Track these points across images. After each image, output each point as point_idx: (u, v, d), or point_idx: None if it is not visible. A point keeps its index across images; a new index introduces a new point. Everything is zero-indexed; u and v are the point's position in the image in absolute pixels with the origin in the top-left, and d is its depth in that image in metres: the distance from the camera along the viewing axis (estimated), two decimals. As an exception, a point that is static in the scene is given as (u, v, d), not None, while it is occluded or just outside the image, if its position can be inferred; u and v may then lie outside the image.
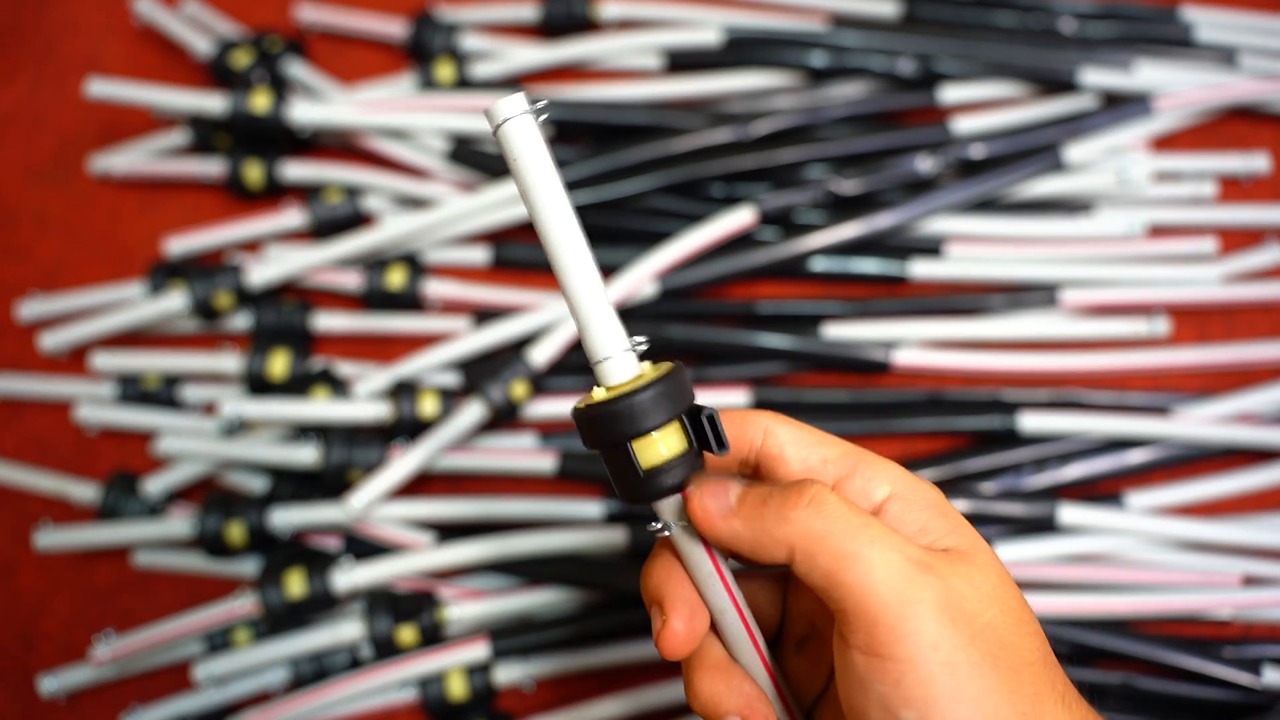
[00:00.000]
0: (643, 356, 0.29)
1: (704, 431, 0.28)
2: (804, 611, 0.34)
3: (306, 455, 0.50)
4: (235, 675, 0.49)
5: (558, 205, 0.27)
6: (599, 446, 0.28)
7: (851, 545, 0.27)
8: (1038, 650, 0.28)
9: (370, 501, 0.48)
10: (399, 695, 0.49)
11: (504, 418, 0.50)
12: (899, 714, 0.26)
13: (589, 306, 0.28)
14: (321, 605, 0.48)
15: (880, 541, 0.27)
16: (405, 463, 0.49)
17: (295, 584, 0.48)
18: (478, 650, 0.49)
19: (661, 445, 0.28)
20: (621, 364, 0.28)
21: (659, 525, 0.30)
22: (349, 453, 0.50)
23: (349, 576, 0.48)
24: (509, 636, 0.49)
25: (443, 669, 0.49)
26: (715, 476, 0.30)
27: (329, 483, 0.50)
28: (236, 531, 0.49)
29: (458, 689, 0.48)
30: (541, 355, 0.50)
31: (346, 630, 0.49)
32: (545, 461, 0.51)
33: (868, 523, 0.27)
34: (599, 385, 0.29)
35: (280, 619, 0.48)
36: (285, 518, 0.50)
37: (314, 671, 0.50)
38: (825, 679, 0.34)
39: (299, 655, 0.49)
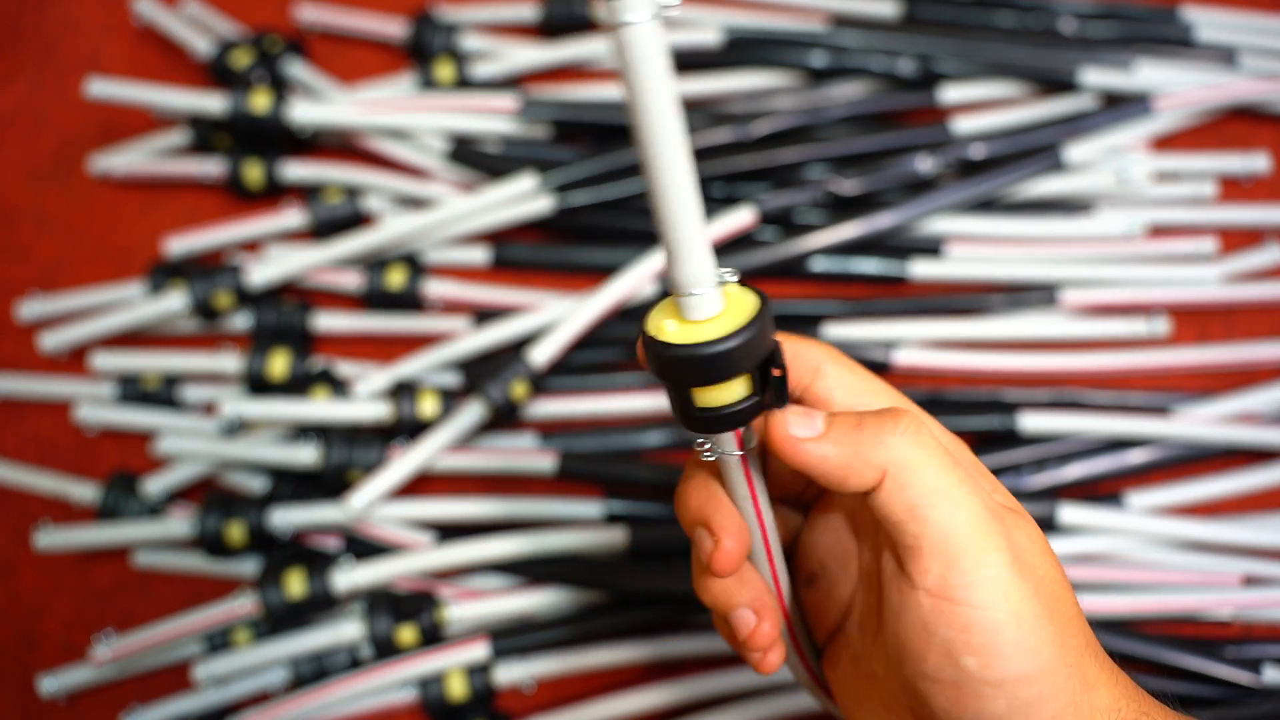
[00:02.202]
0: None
1: (768, 382, 0.27)
2: (817, 550, 0.34)
3: (306, 455, 0.50)
4: (235, 675, 0.49)
5: (669, 118, 0.24)
6: (662, 379, 0.27)
7: (943, 481, 0.27)
8: (1075, 605, 0.28)
9: (370, 501, 0.48)
10: (399, 695, 0.49)
11: (504, 418, 0.50)
12: (961, 660, 0.26)
13: (686, 229, 0.25)
14: (321, 605, 0.48)
15: (967, 483, 0.27)
16: (405, 463, 0.49)
17: (295, 584, 0.48)
18: (478, 650, 0.49)
19: (726, 392, 0.27)
20: (708, 300, 0.26)
21: (705, 446, 0.29)
22: (349, 453, 0.50)
23: (349, 576, 0.48)
24: (509, 636, 0.49)
25: (443, 669, 0.49)
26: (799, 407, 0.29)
27: (329, 483, 0.50)
28: (236, 531, 0.49)
29: (458, 689, 0.48)
30: (541, 355, 0.50)
31: (346, 630, 0.49)
32: (545, 461, 0.51)
33: (957, 463, 0.27)
34: (676, 314, 0.27)
35: (280, 619, 0.48)
36: (285, 518, 0.50)
37: (314, 671, 0.50)
38: (836, 618, 0.34)
39: (299, 655, 0.49)
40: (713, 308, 0.26)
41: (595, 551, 0.49)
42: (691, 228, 0.25)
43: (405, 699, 0.49)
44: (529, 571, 0.50)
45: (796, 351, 0.30)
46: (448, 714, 0.49)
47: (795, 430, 0.28)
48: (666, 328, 0.27)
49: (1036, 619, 0.26)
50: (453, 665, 0.49)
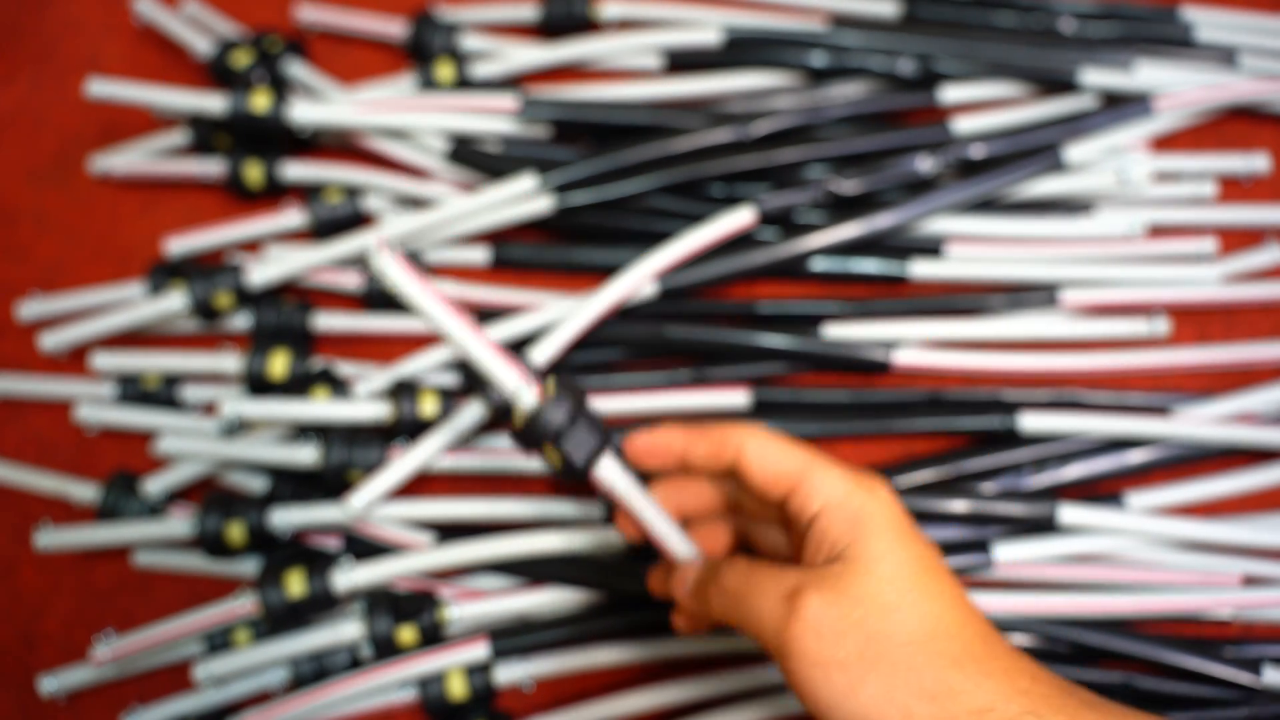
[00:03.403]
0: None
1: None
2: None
3: (306, 455, 0.50)
4: (235, 675, 0.49)
5: (441, 313, 0.37)
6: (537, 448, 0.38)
7: (745, 605, 0.35)
8: (909, 645, 0.33)
9: (370, 501, 0.48)
10: (399, 695, 0.49)
11: (504, 418, 0.50)
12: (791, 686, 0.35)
13: (490, 357, 0.37)
14: (321, 605, 0.48)
15: (756, 596, 0.35)
16: (405, 463, 0.49)
17: (295, 584, 0.48)
18: (478, 650, 0.49)
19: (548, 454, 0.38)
20: (523, 396, 0.37)
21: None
22: (349, 453, 0.50)
23: (349, 576, 0.48)
24: (509, 636, 0.49)
25: (443, 669, 0.49)
26: (685, 563, 0.40)
27: (329, 483, 0.50)
28: (236, 531, 0.49)
29: (458, 689, 0.48)
30: (541, 355, 0.50)
31: (346, 630, 0.49)
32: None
33: (747, 585, 0.35)
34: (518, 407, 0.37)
35: (280, 619, 0.48)
36: (285, 518, 0.50)
37: (314, 671, 0.50)
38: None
39: (299, 655, 0.49)
40: (529, 399, 0.37)
41: (595, 551, 0.49)
42: (489, 351, 0.37)
43: (405, 699, 0.49)
44: (529, 571, 0.50)
45: (724, 437, 0.38)
46: (448, 714, 0.49)
47: (676, 587, 0.40)
48: (520, 417, 0.38)
49: (829, 669, 0.33)
50: (453, 665, 0.49)
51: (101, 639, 0.49)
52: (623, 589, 0.49)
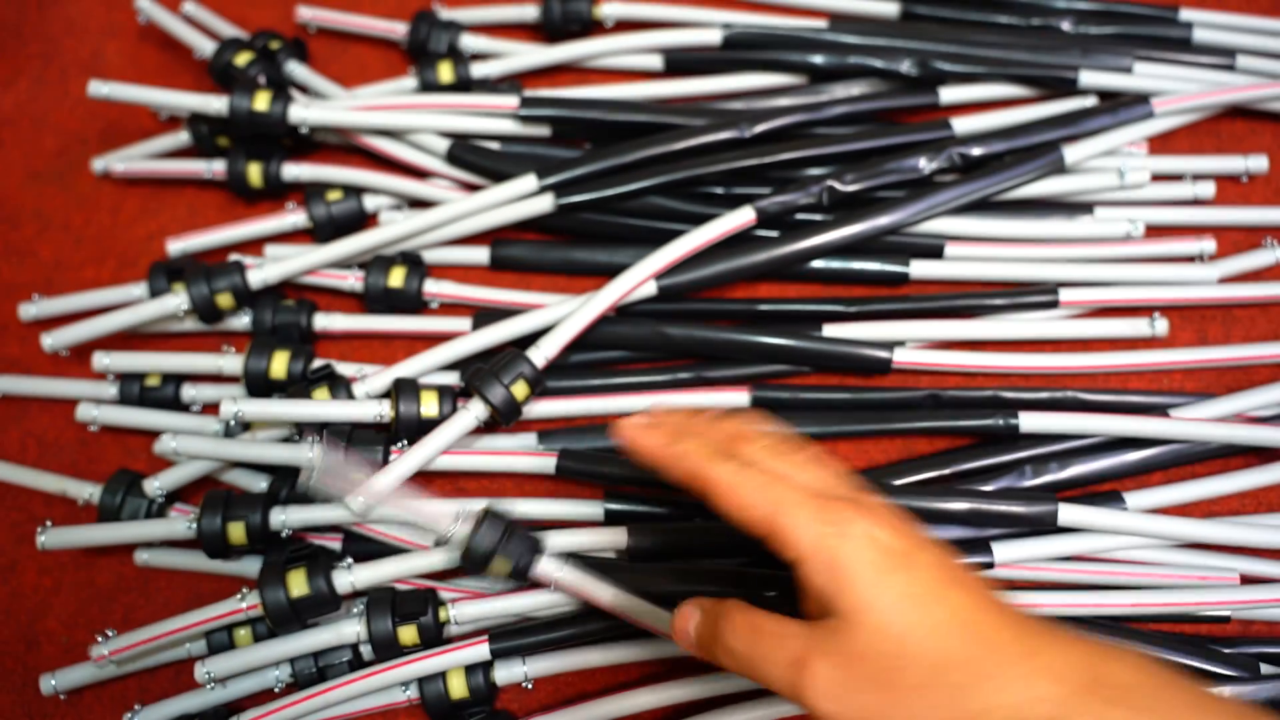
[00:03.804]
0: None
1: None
2: None
3: (307, 455, 0.50)
4: (236, 675, 0.49)
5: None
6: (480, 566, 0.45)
7: (755, 669, 0.36)
8: (924, 674, 0.32)
9: (371, 502, 0.48)
10: (399, 695, 0.49)
11: (506, 420, 0.50)
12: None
13: (425, 510, 0.45)
14: (322, 605, 0.48)
15: (764, 662, 0.35)
16: (405, 463, 0.49)
17: (296, 583, 0.48)
18: (478, 650, 0.49)
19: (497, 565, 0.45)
20: (455, 535, 0.45)
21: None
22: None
23: (349, 576, 0.49)
24: (509, 636, 0.49)
25: (443, 669, 0.49)
26: (682, 607, 0.40)
27: (329, 482, 0.50)
28: (237, 531, 0.49)
29: (458, 688, 0.48)
30: (541, 355, 0.50)
31: (346, 630, 0.49)
32: (545, 461, 0.51)
33: (751, 650, 0.36)
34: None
35: (281, 618, 0.48)
36: (285, 517, 0.50)
37: (314, 671, 0.50)
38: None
39: (299, 655, 0.49)
40: (464, 529, 0.45)
41: (595, 551, 0.49)
42: (423, 515, 0.45)
43: (405, 699, 0.49)
44: (529, 571, 0.50)
45: (691, 473, 0.37)
46: (448, 713, 0.49)
47: (677, 630, 0.40)
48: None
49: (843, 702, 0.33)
50: (453, 665, 0.49)
51: (103, 638, 0.49)
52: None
